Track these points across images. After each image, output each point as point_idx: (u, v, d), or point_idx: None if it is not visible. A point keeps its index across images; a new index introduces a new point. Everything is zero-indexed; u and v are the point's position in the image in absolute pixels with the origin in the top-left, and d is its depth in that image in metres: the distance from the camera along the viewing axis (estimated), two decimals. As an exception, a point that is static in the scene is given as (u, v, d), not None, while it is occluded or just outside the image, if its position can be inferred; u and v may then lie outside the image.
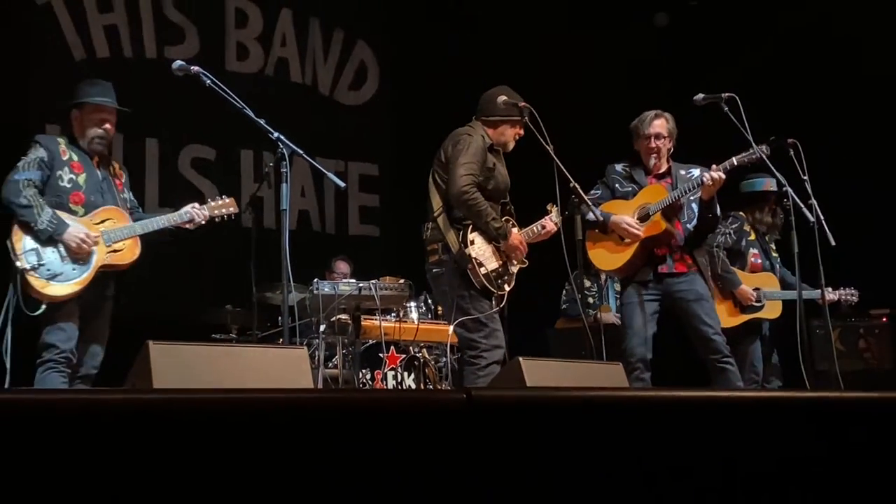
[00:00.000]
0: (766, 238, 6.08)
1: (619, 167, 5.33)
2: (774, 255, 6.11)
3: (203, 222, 4.79)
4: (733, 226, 6.00)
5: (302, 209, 8.56)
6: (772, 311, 5.91)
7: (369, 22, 9.19)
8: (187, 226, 4.76)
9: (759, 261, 6.00)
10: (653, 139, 5.20)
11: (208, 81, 4.28)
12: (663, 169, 5.25)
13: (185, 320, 6.76)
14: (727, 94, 4.92)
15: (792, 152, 4.96)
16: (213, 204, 4.85)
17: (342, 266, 7.50)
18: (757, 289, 5.89)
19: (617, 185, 5.28)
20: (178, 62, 4.37)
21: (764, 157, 4.89)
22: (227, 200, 4.91)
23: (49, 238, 4.35)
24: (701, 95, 5.02)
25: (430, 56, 8.70)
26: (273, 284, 5.76)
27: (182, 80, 4.37)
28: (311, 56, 8.95)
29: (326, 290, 5.96)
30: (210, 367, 3.10)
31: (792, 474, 1.97)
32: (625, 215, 5.10)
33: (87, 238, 4.40)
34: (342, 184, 4.68)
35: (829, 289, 5.96)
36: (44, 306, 4.33)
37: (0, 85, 7.18)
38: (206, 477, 1.55)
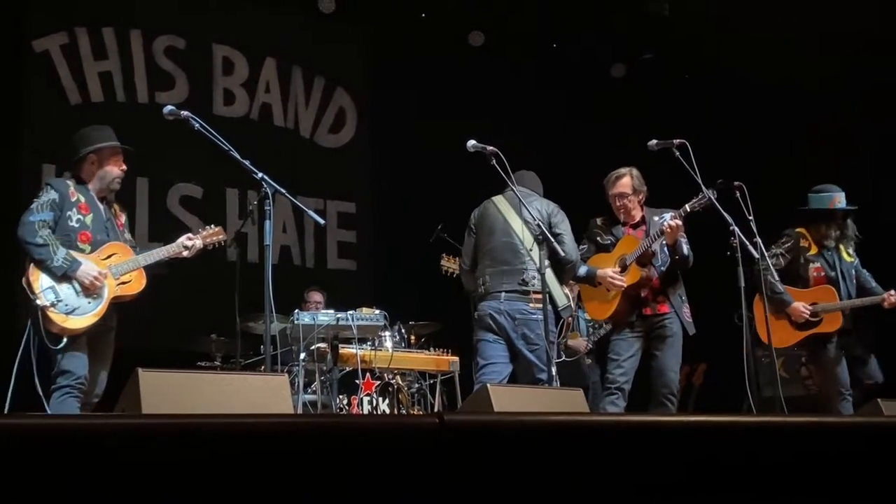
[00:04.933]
0: (839, 247, 5.65)
1: (598, 221, 5.42)
2: (850, 260, 5.67)
3: (198, 249, 4.83)
4: (785, 245, 5.67)
5: (284, 244, 8.54)
6: (830, 324, 5.54)
7: (348, 71, 9.24)
8: (183, 254, 4.79)
9: (823, 273, 5.60)
10: (617, 199, 5.30)
11: (197, 125, 4.29)
12: (637, 219, 5.33)
13: (171, 348, 6.70)
14: (678, 141, 4.97)
15: (738, 194, 4.99)
16: (204, 233, 4.89)
17: (315, 296, 7.46)
18: (814, 303, 5.55)
19: (598, 239, 5.38)
20: (169, 107, 4.38)
21: (713, 200, 4.93)
22: (216, 229, 4.96)
23: (64, 275, 4.36)
24: (654, 141, 5.05)
25: (404, 103, 8.76)
26: (256, 315, 5.72)
27: (171, 124, 4.38)
28: (294, 102, 8.97)
29: (306, 320, 5.94)
30: (196, 394, 3.07)
31: (749, 491, 1.98)
32: (608, 268, 5.21)
33: (99, 275, 4.43)
34: (321, 221, 4.70)
35: (893, 291, 5.53)
36: (65, 339, 4.33)
37: (-2, 127, 7.16)
38: (192, 496, 1.53)
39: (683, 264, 5.22)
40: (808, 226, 5.70)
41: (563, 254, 4.90)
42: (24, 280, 4.37)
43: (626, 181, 5.28)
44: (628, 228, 5.32)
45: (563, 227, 5.04)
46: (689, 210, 5.00)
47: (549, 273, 4.92)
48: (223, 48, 8.64)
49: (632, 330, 5.20)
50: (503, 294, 5.00)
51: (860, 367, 5.61)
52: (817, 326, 5.57)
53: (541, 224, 4.85)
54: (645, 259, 5.17)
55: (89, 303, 4.43)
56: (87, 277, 4.39)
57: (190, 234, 4.85)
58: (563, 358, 5.22)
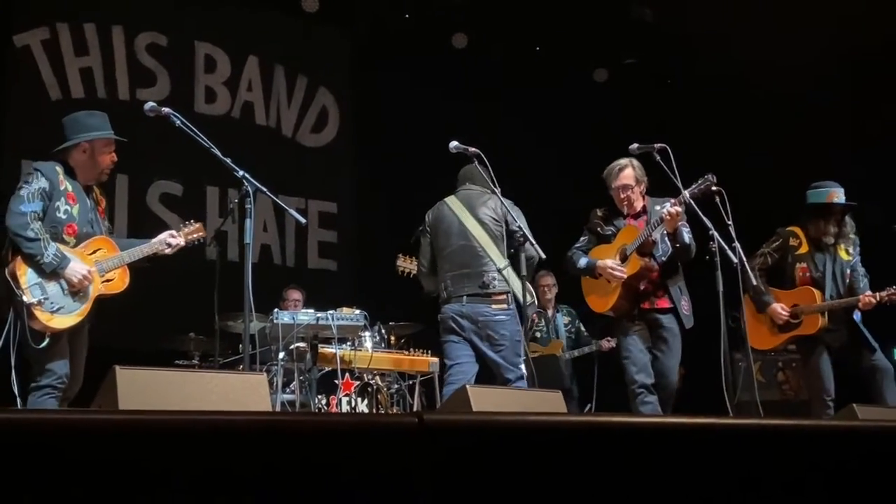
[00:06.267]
0: (837, 245, 5.56)
1: (599, 212, 5.38)
2: (847, 259, 5.57)
3: (180, 247, 4.75)
4: (774, 244, 5.64)
5: (264, 243, 8.51)
6: (809, 326, 5.48)
7: (330, 70, 9.22)
8: (166, 252, 4.69)
9: (808, 274, 5.53)
10: (620, 191, 5.25)
11: (178, 122, 4.25)
12: (638, 209, 5.28)
13: (149, 347, 6.65)
14: (659, 145, 4.98)
15: (717, 199, 4.99)
16: (186, 230, 4.81)
17: (294, 294, 7.43)
18: (795, 305, 5.53)
19: (598, 230, 5.34)
20: (150, 103, 4.33)
21: (712, 184, 4.89)
22: (197, 226, 4.88)
23: (52, 272, 4.22)
24: (635, 145, 5.07)
25: (386, 103, 8.76)
26: (235, 314, 5.70)
27: (152, 121, 4.33)
28: (276, 100, 8.94)
29: (285, 319, 5.91)
30: (173, 392, 3.05)
31: (728, 494, 1.99)
32: (608, 259, 5.17)
33: (88, 275, 4.31)
34: (303, 220, 4.68)
35: (869, 292, 5.44)
36: (48, 338, 4.21)
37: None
38: (168, 493, 1.52)
39: (685, 253, 5.12)
40: (806, 222, 5.63)
41: (538, 254, 4.92)
42: (7, 272, 4.21)
43: (629, 172, 5.24)
44: (629, 219, 5.27)
45: (520, 222, 5.02)
46: (688, 196, 4.94)
47: (510, 272, 4.96)
48: (205, 45, 8.60)
49: (632, 325, 5.15)
50: (465, 297, 5.03)
51: (867, 357, 5.44)
52: (798, 328, 5.54)
53: (521, 226, 4.88)
54: (646, 249, 5.11)
55: (74, 301, 4.30)
56: (76, 276, 4.26)
57: (173, 232, 4.75)
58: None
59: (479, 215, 5.09)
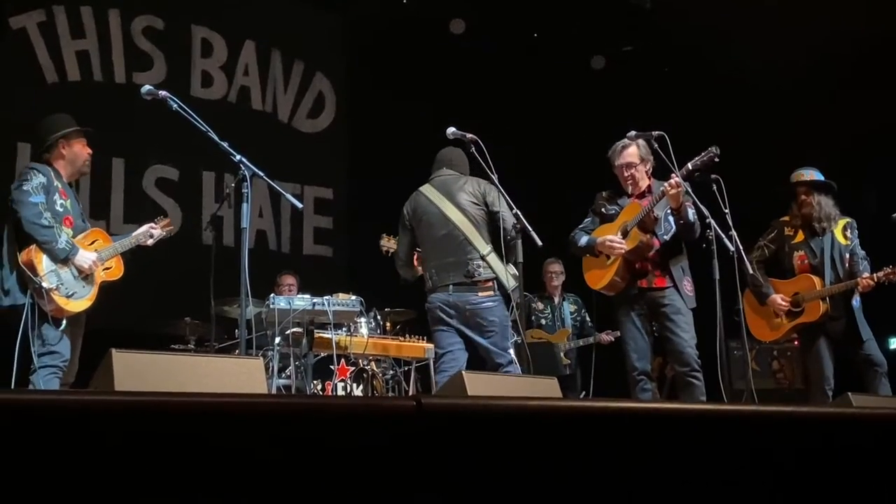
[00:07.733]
0: (824, 230, 5.52)
1: (604, 194, 5.32)
2: (845, 243, 5.53)
3: (162, 237, 5.07)
4: (769, 236, 5.67)
5: (260, 229, 8.50)
6: (810, 313, 5.48)
7: (327, 56, 9.20)
8: (148, 243, 4.98)
9: (807, 261, 5.52)
10: (624, 168, 5.17)
11: (175, 106, 4.25)
12: (643, 188, 5.20)
13: (144, 331, 6.66)
14: (657, 133, 4.96)
15: (714, 187, 4.97)
16: (162, 223, 5.12)
17: (288, 279, 7.42)
18: (795, 293, 5.52)
19: (602, 210, 5.28)
20: (147, 87, 4.33)
21: (715, 156, 4.83)
22: (167, 220, 5.22)
23: (64, 259, 4.47)
24: (633, 133, 5.05)
25: (383, 89, 8.74)
26: (230, 299, 5.69)
27: (149, 104, 4.34)
28: (272, 85, 8.92)
29: (282, 304, 5.91)
30: (169, 375, 3.05)
31: (719, 480, 2.00)
32: (608, 235, 5.10)
33: (96, 261, 4.61)
34: (300, 205, 4.67)
35: (866, 273, 5.39)
36: (64, 322, 4.47)
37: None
38: (161, 474, 1.53)
39: (689, 231, 5.01)
40: (790, 211, 5.67)
41: (507, 235, 4.84)
42: (22, 261, 4.40)
43: (633, 150, 5.16)
44: (634, 198, 5.19)
45: (503, 204, 4.93)
46: (690, 168, 4.87)
47: (494, 257, 4.92)
48: (202, 30, 8.58)
49: (633, 309, 5.09)
50: (451, 287, 4.97)
51: (859, 348, 5.44)
52: (800, 316, 5.52)
53: (518, 215, 4.81)
54: (647, 224, 5.03)
55: (83, 287, 4.56)
56: (86, 262, 4.54)
57: (153, 224, 5.03)
58: (515, 338, 5.11)
59: (458, 201, 5.00)
